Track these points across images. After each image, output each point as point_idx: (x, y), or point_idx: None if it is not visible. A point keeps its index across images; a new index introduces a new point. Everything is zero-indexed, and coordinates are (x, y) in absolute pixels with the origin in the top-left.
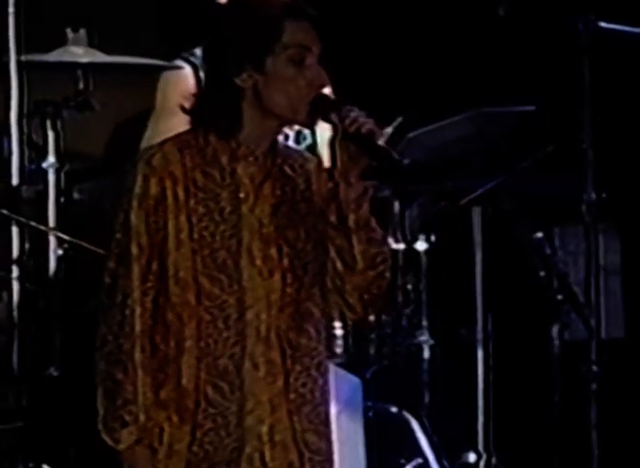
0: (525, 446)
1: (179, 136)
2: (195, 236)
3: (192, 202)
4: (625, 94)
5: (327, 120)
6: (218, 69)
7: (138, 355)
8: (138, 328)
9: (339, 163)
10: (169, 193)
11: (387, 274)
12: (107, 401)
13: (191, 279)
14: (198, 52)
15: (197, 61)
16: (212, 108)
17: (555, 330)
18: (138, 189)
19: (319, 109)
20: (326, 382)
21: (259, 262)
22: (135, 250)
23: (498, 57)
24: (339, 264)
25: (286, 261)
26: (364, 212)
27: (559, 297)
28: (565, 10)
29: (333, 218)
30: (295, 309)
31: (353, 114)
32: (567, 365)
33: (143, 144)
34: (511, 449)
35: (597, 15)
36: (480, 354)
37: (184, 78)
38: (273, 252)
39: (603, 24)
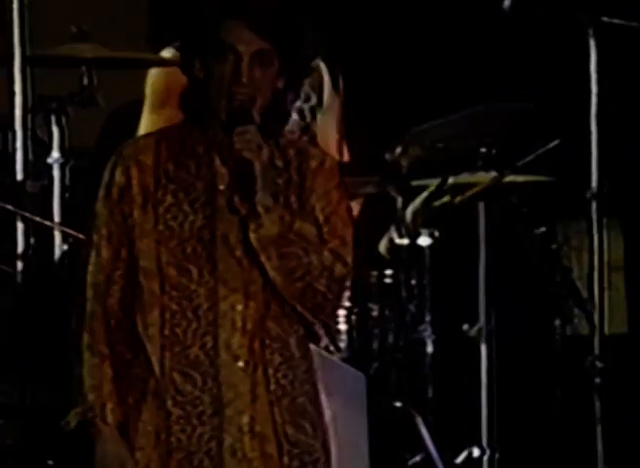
0: (528, 441)
1: (168, 127)
2: (160, 227)
3: (160, 192)
4: (629, 88)
5: None
6: (182, 60)
7: (86, 337)
8: (89, 309)
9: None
10: (134, 182)
11: (319, 285)
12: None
13: (155, 269)
14: None
15: None
16: (186, 96)
17: (558, 324)
18: (105, 178)
19: None
20: (307, 371)
21: (238, 253)
22: (96, 238)
23: (500, 52)
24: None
25: None
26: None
27: (562, 292)
28: (567, 4)
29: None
30: (279, 302)
31: None
32: (570, 360)
33: None
34: (515, 444)
35: (600, 9)
36: (483, 349)
37: (173, 69)
38: None
39: (605, 19)
